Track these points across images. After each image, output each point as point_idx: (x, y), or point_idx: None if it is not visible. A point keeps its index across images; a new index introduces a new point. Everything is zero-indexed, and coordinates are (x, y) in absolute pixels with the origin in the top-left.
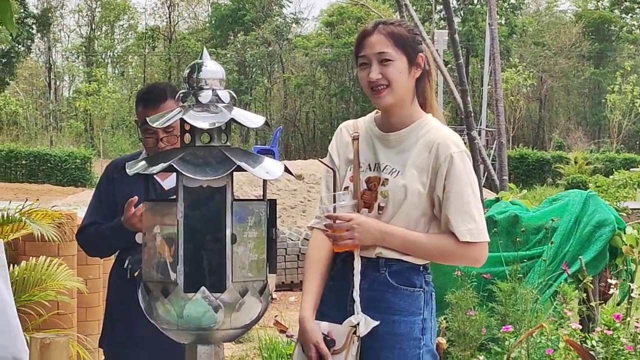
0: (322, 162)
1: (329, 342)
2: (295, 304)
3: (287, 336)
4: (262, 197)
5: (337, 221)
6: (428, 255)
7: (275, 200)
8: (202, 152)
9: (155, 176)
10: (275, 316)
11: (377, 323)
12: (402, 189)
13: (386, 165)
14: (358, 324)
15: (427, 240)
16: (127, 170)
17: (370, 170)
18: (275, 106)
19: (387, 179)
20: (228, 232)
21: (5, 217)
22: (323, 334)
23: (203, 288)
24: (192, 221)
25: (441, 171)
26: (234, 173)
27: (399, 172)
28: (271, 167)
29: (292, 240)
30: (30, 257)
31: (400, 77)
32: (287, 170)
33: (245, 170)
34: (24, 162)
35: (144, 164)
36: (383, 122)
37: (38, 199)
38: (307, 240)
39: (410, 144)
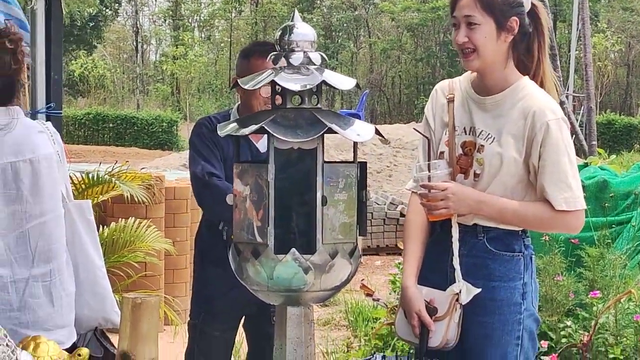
0: (417, 130)
1: (432, 310)
2: (381, 267)
3: (373, 300)
4: (352, 160)
5: (432, 190)
6: (524, 223)
7: (366, 162)
8: (293, 114)
9: (250, 138)
10: (362, 280)
11: (478, 290)
12: (497, 157)
13: (482, 131)
14: (460, 291)
15: (523, 209)
16: (219, 132)
17: (466, 134)
18: (361, 71)
19: (482, 146)
20: (319, 194)
21: (95, 178)
22: (425, 301)
23: (293, 250)
24: (283, 183)
25: (537, 139)
26: (325, 136)
27: (494, 138)
28: (362, 130)
29: (378, 204)
30: (120, 219)
31: (486, 42)
32: (377, 132)
33: (335, 133)
34: (111, 125)
35: (235, 126)
36: (479, 85)
37: (128, 161)
38: (393, 204)
39: (507, 110)
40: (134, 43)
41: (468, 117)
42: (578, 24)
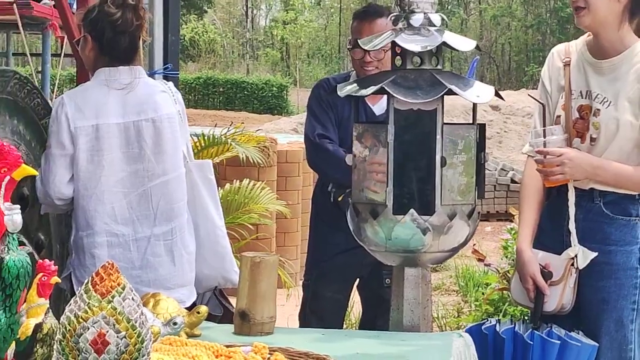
0: (531, 96)
1: (547, 274)
2: (492, 233)
3: (484, 265)
4: (472, 122)
5: (548, 156)
6: None
7: (485, 124)
8: (413, 76)
9: (366, 100)
10: (473, 245)
11: (595, 255)
12: (614, 121)
13: (598, 94)
14: (576, 255)
15: (639, 174)
16: (339, 92)
17: (582, 97)
18: (471, 37)
19: (598, 109)
20: (438, 156)
21: (211, 139)
22: (540, 265)
23: (412, 210)
24: (403, 144)
25: None
26: (445, 98)
27: (610, 102)
28: (482, 91)
29: (489, 170)
30: (234, 181)
31: (598, 3)
32: (497, 94)
33: (455, 94)
34: (221, 89)
35: (355, 86)
36: (594, 47)
37: (243, 123)
38: (504, 170)
39: (623, 73)
40: (244, 8)
41: (584, 80)
42: None
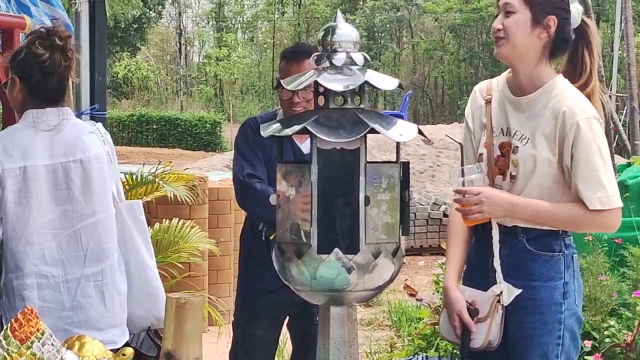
0: (449, 137)
1: (473, 311)
2: (425, 268)
3: (416, 300)
4: (395, 160)
5: (466, 195)
6: (558, 224)
7: (408, 162)
8: (336, 115)
9: (294, 139)
10: (405, 280)
11: (519, 291)
12: (531, 158)
13: (516, 131)
14: (501, 292)
15: (557, 210)
16: (262, 132)
17: (503, 135)
18: (404, 71)
19: (517, 147)
20: (361, 195)
21: (139, 179)
22: (467, 302)
23: (336, 249)
24: (326, 183)
25: (568, 139)
26: (367, 136)
27: (528, 139)
28: (405, 130)
29: (421, 204)
30: (163, 220)
31: (518, 30)
32: (420, 132)
33: (378, 133)
34: (155, 126)
35: (279, 126)
36: (514, 84)
37: (171, 162)
38: (436, 204)
39: (539, 110)
40: (177, 45)
41: (504, 117)
42: (621, 24)
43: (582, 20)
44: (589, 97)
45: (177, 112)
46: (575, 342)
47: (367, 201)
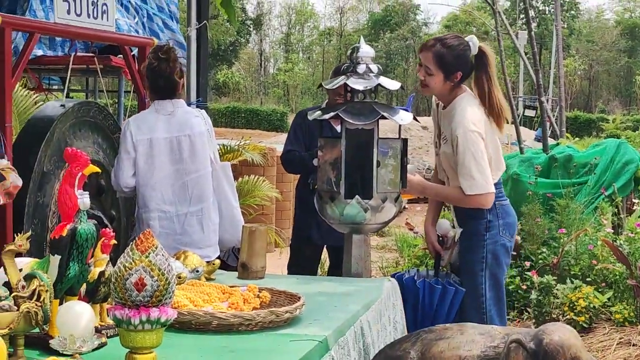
0: (416, 120)
1: (442, 241)
2: (421, 211)
3: (413, 232)
4: (397, 137)
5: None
6: (451, 202)
7: (407, 139)
8: (358, 106)
9: (330, 122)
10: (406, 219)
11: (461, 230)
12: (443, 154)
13: (443, 132)
14: (455, 233)
15: (449, 193)
16: (308, 117)
17: (440, 133)
18: (410, 81)
19: (441, 145)
20: (374, 160)
21: (229, 148)
22: (439, 235)
23: (357, 196)
24: (351, 151)
25: (454, 145)
26: (380, 120)
27: (446, 140)
28: (404, 116)
29: (419, 169)
30: (245, 175)
31: (435, 84)
32: (414, 118)
33: (386, 118)
34: (242, 115)
35: (320, 113)
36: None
37: (250, 137)
38: (430, 169)
39: (448, 120)
40: (259, 61)
41: (440, 121)
42: (556, 51)
43: (480, 48)
44: (491, 104)
45: (258, 105)
46: (498, 262)
47: (378, 164)
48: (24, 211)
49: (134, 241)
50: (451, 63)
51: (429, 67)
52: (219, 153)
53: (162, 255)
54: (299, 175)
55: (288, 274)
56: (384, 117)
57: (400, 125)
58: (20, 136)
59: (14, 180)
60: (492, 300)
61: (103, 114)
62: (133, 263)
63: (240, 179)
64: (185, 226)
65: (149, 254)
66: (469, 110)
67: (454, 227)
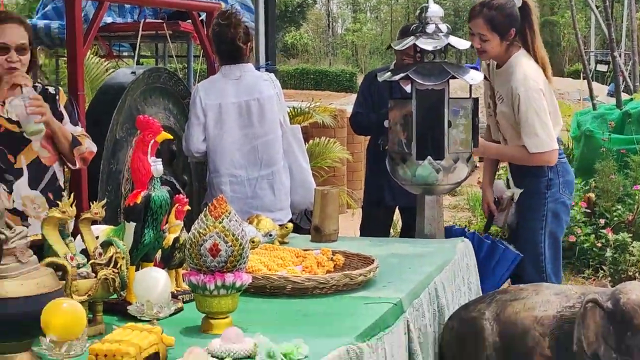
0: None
1: (498, 202)
2: None
3: None
4: (468, 97)
5: None
6: (514, 161)
7: (478, 98)
8: (428, 66)
9: (400, 83)
10: (478, 177)
11: (521, 190)
12: (501, 113)
13: (498, 91)
14: (513, 194)
15: (512, 152)
16: (378, 78)
17: (493, 94)
18: None
19: (497, 104)
20: (446, 120)
21: (299, 111)
22: (496, 197)
23: (429, 157)
24: (422, 112)
25: (514, 104)
26: (450, 80)
27: (502, 100)
28: (474, 76)
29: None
30: (315, 138)
31: (493, 48)
32: (485, 78)
33: (457, 78)
34: (311, 76)
35: (390, 74)
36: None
37: (320, 99)
38: None
39: (505, 79)
40: (327, 21)
41: (493, 81)
42: (629, 3)
43: (523, 1)
44: (535, 56)
45: (327, 66)
46: (558, 220)
47: (449, 124)
48: (97, 178)
49: (208, 207)
50: (503, 23)
51: (482, 33)
52: (289, 116)
53: (236, 220)
54: (369, 137)
55: (360, 235)
56: (454, 77)
57: (470, 85)
58: (92, 104)
59: (89, 146)
60: (550, 258)
61: (173, 80)
62: (207, 229)
63: (310, 141)
64: (256, 190)
65: (223, 219)
66: (527, 67)
67: (508, 187)
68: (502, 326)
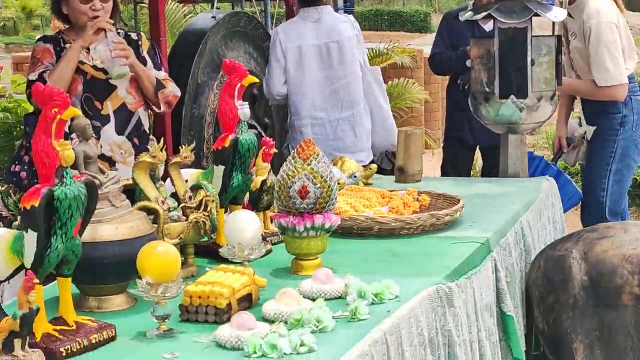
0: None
1: (569, 139)
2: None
3: None
4: (552, 34)
5: None
6: (583, 94)
7: (560, 35)
8: (510, 4)
9: (479, 21)
10: None
11: (594, 128)
12: (575, 49)
13: (570, 28)
14: (585, 132)
15: (581, 86)
16: (460, 17)
17: (566, 31)
18: None
19: (569, 41)
20: (528, 58)
21: (378, 52)
22: (569, 135)
23: (512, 96)
24: (504, 51)
25: (586, 37)
26: (532, 18)
27: (575, 35)
28: (558, 13)
29: None
30: (394, 79)
31: None
32: (569, 14)
33: (539, 15)
34: (385, 17)
35: (471, 13)
36: None
37: (398, 40)
38: None
39: (577, 15)
40: None
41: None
42: None
43: None
44: None
45: (401, 7)
46: (626, 158)
47: (532, 62)
48: (180, 123)
49: (296, 149)
50: None
51: None
52: (368, 57)
53: (324, 162)
54: (448, 77)
55: (441, 175)
56: (537, 15)
57: (553, 22)
58: (173, 49)
59: (173, 89)
60: (612, 195)
61: (253, 24)
62: (295, 171)
63: (389, 82)
64: (337, 132)
65: (311, 161)
66: (598, 1)
67: (581, 125)
68: (590, 264)
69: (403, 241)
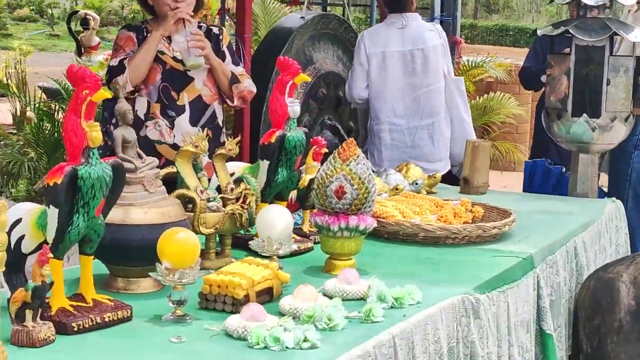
0: None
1: None
2: None
3: None
4: (631, 54)
5: None
6: None
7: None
8: (590, 22)
9: None
10: None
11: None
12: None
13: None
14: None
15: None
16: (538, 32)
17: None
18: None
19: None
20: (604, 78)
21: (473, 64)
22: None
23: (585, 114)
24: (581, 69)
25: None
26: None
27: None
28: (638, 34)
29: None
30: (490, 92)
31: None
32: None
33: (619, 35)
34: (510, 33)
35: (551, 28)
36: None
37: (496, 54)
38: None
39: None
40: None
41: None
42: None
43: None
44: None
45: (528, 23)
46: None
47: (608, 82)
48: (260, 119)
49: (337, 149)
50: None
51: None
52: (464, 68)
53: (364, 164)
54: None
55: (523, 191)
56: (616, 34)
57: (634, 43)
58: (260, 47)
59: (248, 85)
60: (632, 215)
61: (343, 27)
62: (334, 171)
63: (485, 96)
64: (415, 139)
65: (350, 162)
66: None
67: None
68: (638, 289)
69: (446, 250)
